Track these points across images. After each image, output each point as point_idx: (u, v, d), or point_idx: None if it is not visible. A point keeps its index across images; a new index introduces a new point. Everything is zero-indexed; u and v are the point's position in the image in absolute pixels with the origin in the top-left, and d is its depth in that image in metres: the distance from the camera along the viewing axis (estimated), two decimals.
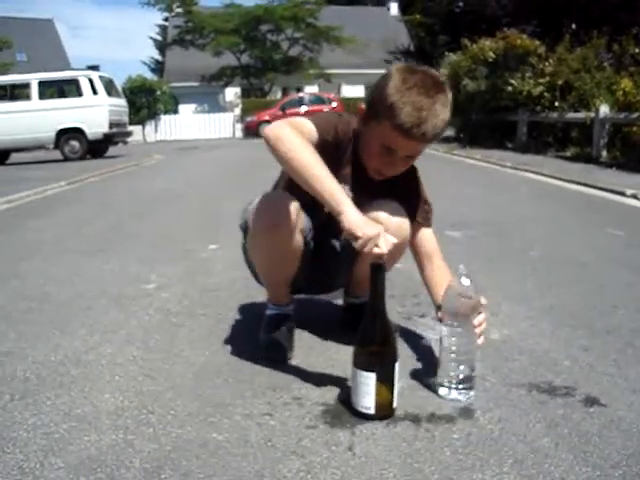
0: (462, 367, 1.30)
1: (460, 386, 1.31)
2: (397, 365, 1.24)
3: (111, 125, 11.06)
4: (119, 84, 13.11)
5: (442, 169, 6.71)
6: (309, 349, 1.63)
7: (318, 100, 19.89)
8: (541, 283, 2.28)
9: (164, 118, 22.97)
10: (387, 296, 1.25)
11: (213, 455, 1.12)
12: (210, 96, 25.79)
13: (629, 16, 10.05)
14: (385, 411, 1.24)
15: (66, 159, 10.75)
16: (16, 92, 11.27)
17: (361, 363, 1.23)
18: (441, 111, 1.31)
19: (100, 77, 11.18)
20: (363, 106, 1.43)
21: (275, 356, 1.54)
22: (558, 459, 1.09)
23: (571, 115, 8.36)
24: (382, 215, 1.41)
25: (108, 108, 10.97)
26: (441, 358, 1.34)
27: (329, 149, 1.37)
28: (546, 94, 9.04)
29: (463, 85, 10.31)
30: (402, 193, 1.51)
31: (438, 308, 1.43)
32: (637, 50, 8.31)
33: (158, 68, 32.36)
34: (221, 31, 23.82)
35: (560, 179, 5.75)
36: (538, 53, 9.62)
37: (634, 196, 4.48)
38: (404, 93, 1.29)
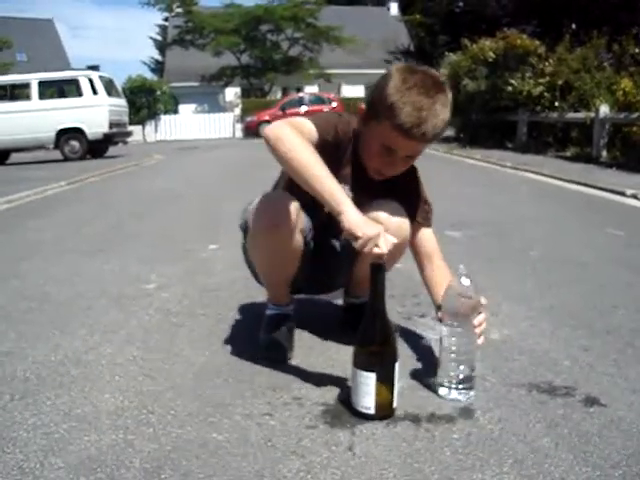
0: (462, 367, 1.30)
1: (460, 386, 1.31)
2: (397, 365, 1.24)
3: (111, 125, 11.05)
4: (119, 84, 13.11)
5: (442, 169, 6.71)
6: (309, 349, 1.63)
7: (318, 100, 19.89)
8: (541, 283, 2.28)
9: (164, 118, 22.97)
10: (387, 296, 1.25)
11: (213, 455, 1.12)
12: (210, 96, 25.79)
13: (629, 16, 10.05)
14: (385, 411, 1.24)
15: (66, 159, 10.75)
16: (16, 92, 11.27)
17: (361, 363, 1.23)
18: (441, 111, 1.31)
19: (100, 77, 11.18)
20: (363, 106, 1.43)
21: (275, 356, 1.54)
22: (558, 459, 1.09)
23: (571, 115, 8.36)
24: (382, 215, 1.41)
25: (108, 108, 10.97)
26: (441, 358, 1.34)
27: (329, 149, 1.37)
28: (546, 94, 9.04)
29: (463, 85, 10.31)
30: (402, 193, 1.51)
31: (438, 308, 1.43)
32: (637, 50, 8.31)
33: (158, 68, 32.37)
34: (221, 31, 23.83)
35: (560, 179, 5.75)
36: (538, 53, 9.62)
37: (634, 196, 4.48)
38: (404, 93, 1.29)
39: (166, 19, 30.00)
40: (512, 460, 1.08)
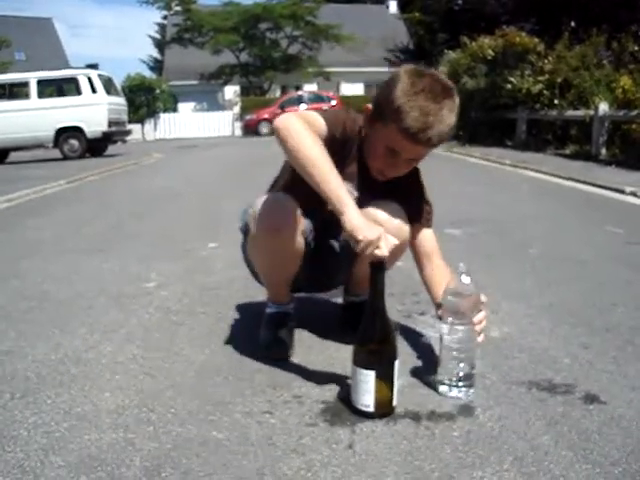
0: (462, 365, 1.30)
1: (460, 384, 1.31)
2: (397, 363, 1.24)
3: (110, 124, 11.04)
4: (118, 82, 13.09)
5: (442, 167, 6.70)
6: (309, 347, 1.63)
7: (317, 98, 19.87)
8: (541, 281, 2.28)
9: (163, 116, 22.95)
10: (387, 294, 1.25)
11: (213, 453, 1.12)
12: (209, 94, 25.78)
13: (628, 14, 10.03)
14: (385, 409, 1.24)
15: (65, 158, 10.74)
16: (15, 91, 11.26)
17: (361, 361, 1.23)
18: (448, 117, 1.31)
19: (99, 76, 11.17)
20: (369, 106, 1.42)
21: (275, 354, 1.55)
22: (558, 456, 1.09)
23: (570, 113, 8.35)
24: (382, 216, 1.41)
25: (107, 107, 10.95)
26: (441, 356, 1.34)
27: (336, 146, 1.36)
28: (545, 92, 9.04)
29: (462, 83, 10.29)
30: (404, 194, 1.51)
31: (438, 307, 1.43)
32: (636, 48, 8.31)
33: (157, 66, 32.32)
34: (220, 29, 23.81)
35: (559, 177, 5.75)
36: (537, 51, 9.61)
37: (633, 194, 4.48)
38: (412, 97, 1.28)
39: (165, 17, 29.95)
40: (512, 457, 1.09)
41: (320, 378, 1.41)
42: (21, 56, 28.50)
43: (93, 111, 10.75)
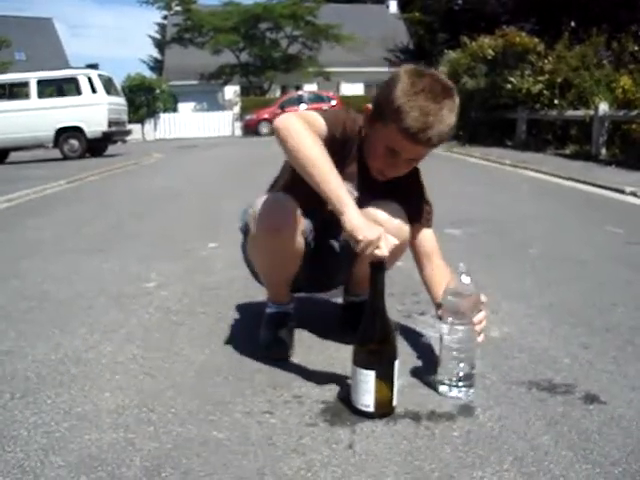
0: (462, 365, 1.30)
1: (460, 384, 1.31)
2: (397, 363, 1.24)
3: (110, 124, 11.04)
4: (118, 82, 13.09)
5: (442, 167, 6.70)
6: (309, 347, 1.63)
7: (317, 98, 19.87)
8: (541, 281, 2.28)
9: (163, 116, 22.95)
10: (387, 294, 1.25)
11: (214, 453, 1.12)
12: (209, 94, 25.78)
13: (628, 14, 10.03)
14: (385, 409, 1.24)
15: (65, 158, 10.74)
16: (15, 91, 11.27)
17: (361, 361, 1.23)
18: (448, 117, 1.31)
19: (99, 76, 11.17)
20: (369, 105, 1.42)
21: (275, 354, 1.55)
22: (558, 456, 1.09)
23: (570, 113, 8.35)
24: (383, 216, 1.42)
25: (107, 107, 10.95)
26: (441, 356, 1.34)
27: (336, 146, 1.37)
28: (545, 92, 9.04)
29: (462, 83, 10.29)
30: (405, 194, 1.51)
31: (438, 307, 1.43)
32: (636, 48, 8.31)
33: (157, 66, 32.33)
34: (220, 29, 23.82)
35: (559, 177, 5.75)
36: (537, 51, 9.61)
37: (633, 194, 4.48)
38: (412, 97, 1.28)
39: (165, 17, 29.96)
40: (512, 458, 1.09)
41: (320, 378, 1.42)
42: (21, 56, 28.50)
43: (93, 111, 10.76)
